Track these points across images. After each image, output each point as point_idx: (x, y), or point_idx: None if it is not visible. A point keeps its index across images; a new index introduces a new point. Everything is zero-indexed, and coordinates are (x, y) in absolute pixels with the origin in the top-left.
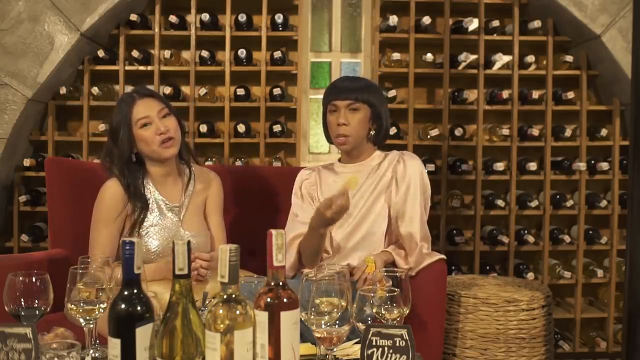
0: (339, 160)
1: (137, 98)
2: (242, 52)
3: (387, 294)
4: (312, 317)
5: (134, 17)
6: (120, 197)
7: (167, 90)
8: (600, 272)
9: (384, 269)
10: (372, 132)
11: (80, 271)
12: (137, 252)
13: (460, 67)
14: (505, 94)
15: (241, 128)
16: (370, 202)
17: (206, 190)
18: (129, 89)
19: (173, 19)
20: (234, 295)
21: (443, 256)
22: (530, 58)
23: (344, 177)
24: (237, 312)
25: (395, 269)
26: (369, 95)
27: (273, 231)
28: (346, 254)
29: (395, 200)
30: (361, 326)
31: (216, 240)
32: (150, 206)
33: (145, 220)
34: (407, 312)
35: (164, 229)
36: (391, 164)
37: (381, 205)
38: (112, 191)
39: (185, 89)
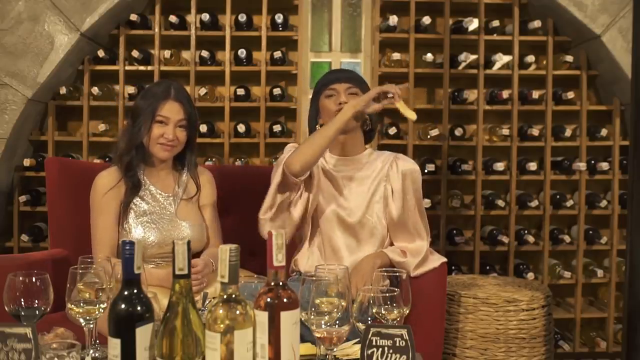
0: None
1: (170, 99)
2: (242, 52)
3: (387, 294)
4: (312, 317)
5: (134, 17)
6: (112, 183)
7: None
8: (600, 272)
9: (384, 268)
10: (368, 121)
11: (80, 271)
12: (137, 252)
13: (460, 67)
14: (505, 94)
15: (241, 128)
16: (367, 199)
17: (200, 185)
18: (129, 89)
19: (173, 19)
20: (234, 295)
21: (444, 259)
22: (530, 58)
23: (338, 170)
24: (237, 312)
25: (396, 269)
26: (363, 85)
27: (273, 231)
28: (348, 255)
29: (396, 213)
30: (361, 326)
31: (211, 231)
32: (144, 196)
33: (140, 209)
34: (407, 312)
35: (160, 219)
36: (385, 164)
37: (377, 203)
38: (103, 179)
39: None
